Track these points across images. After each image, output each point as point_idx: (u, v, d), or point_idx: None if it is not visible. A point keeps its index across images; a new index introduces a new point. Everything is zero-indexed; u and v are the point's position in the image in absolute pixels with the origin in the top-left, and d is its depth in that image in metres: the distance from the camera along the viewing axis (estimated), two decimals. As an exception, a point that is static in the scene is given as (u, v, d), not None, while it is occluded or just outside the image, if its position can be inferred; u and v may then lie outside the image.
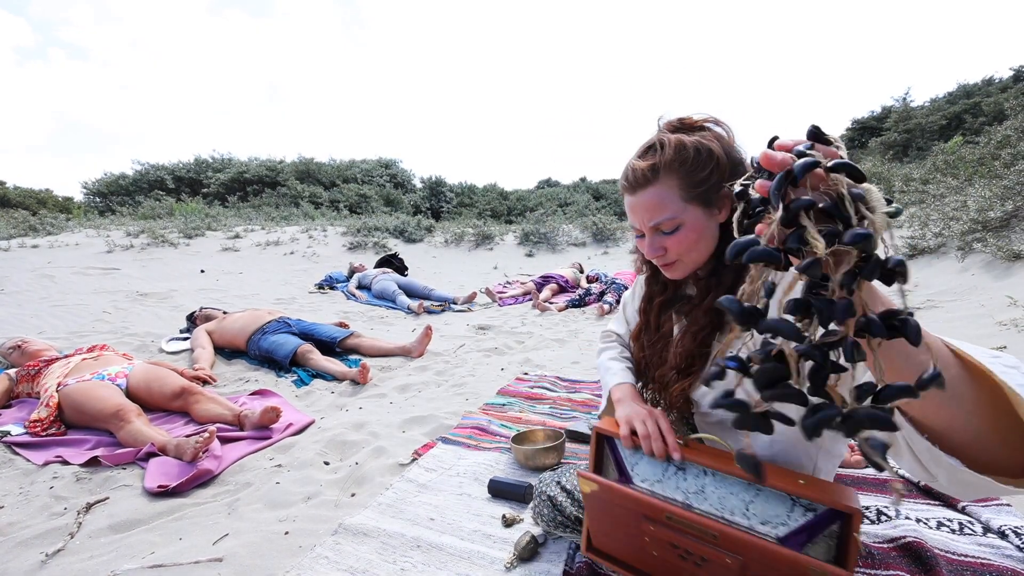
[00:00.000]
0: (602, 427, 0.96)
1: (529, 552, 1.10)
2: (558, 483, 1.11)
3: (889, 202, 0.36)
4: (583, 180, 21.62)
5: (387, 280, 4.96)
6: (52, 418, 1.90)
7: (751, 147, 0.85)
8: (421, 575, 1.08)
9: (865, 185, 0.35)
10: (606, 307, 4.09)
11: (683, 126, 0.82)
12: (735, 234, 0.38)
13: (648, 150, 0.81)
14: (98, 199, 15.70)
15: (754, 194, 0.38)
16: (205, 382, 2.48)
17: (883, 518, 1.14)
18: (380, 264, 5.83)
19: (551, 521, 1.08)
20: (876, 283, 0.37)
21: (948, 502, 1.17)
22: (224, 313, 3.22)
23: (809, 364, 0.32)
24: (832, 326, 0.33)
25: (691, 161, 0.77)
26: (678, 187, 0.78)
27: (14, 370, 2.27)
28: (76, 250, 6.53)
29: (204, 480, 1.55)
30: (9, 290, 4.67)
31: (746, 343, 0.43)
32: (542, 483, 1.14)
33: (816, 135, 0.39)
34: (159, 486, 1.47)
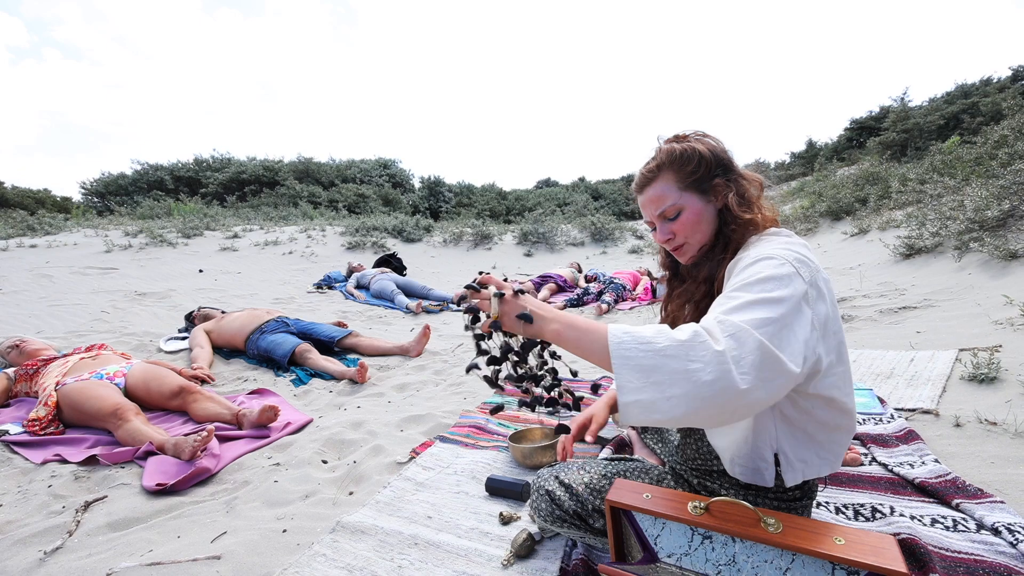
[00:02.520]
0: (617, 500, 0.90)
1: (526, 549, 1.11)
2: (556, 478, 1.11)
3: (499, 293, 0.85)
4: (582, 180, 21.62)
5: (385, 280, 4.96)
6: (50, 417, 1.90)
7: (747, 149, 0.97)
8: (419, 572, 1.09)
9: (489, 290, 0.87)
10: (604, 306, 4.09)
11: (675, 139, 1.00)
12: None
13: (649, 159, 1.01)
14: (96, 199, 15.66)
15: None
16: (203, 381, 2.48)
17: (878, 515, 1.14)
18: (378, 264, 5.83)
19: (548, 516, 1.08)
20: None
21: (942, 499, 1.18)
22: (222, 313, 3.22)
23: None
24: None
25: (681, 159, 0.95)
26: (674, 180, 0.95)
27: (12, 369, 2.27)
28: (74, 250, 6.52)
29: (202, 478, 1.56)
30: (7, 290, 4.66)
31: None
32: (539, 478, 1.14)
33: (474, 282, 0.91)
34: (157, 484, 1.47)
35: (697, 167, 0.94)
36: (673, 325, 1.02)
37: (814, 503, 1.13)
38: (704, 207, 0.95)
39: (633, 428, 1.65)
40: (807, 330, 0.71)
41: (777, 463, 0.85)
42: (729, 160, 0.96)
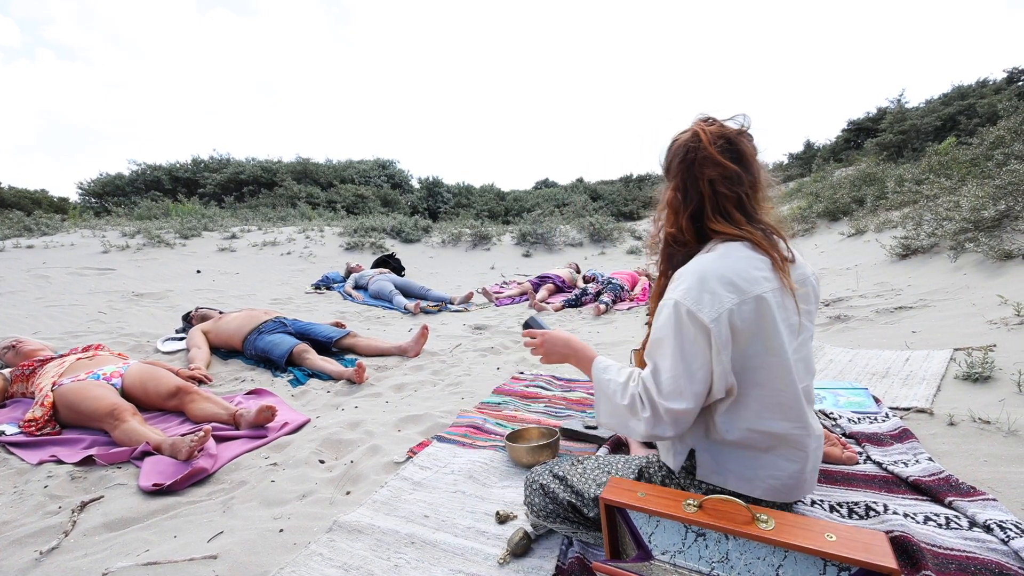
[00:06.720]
0: (611, 498, 0.90)
1: (522, 548, 1.11)
2: (550, 471, 1.12)
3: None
4: (580, 181, 21.62)
5: (384, 280, 4.96)
6: (47, 417, 1.90)
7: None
8: (415, 571, 1.09)
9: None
10: (602, 307, 4.10)
11: (696, 124, 1.01)
12: None
13: None
14: (94, 199, 15.61)
15: None
16: (201, 381, 2.48)
17: (872, 513, 1.15)
18: (377, 264, 5.83)
19: (542, 511, 1.09)
20: None
21: (936, 497, 1.18)
22: (220, 313, 3.22)
23: None
24: None
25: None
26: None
27: (8, 370, 2.27)
28: (71, 250, 6.51)
29: (199, 478, 1.56)
30: (4, 290, 4.65)
31: None
32: (533, 473, 1.15)
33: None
34: (154, 484, 1.47)
35: (664, 162, 1.02)
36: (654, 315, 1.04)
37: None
38: (670, 198, 1.01)
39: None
40: (692, 370, 0.86)
41: (694, 458, 0.97)
42: (673, 167, 0.98)
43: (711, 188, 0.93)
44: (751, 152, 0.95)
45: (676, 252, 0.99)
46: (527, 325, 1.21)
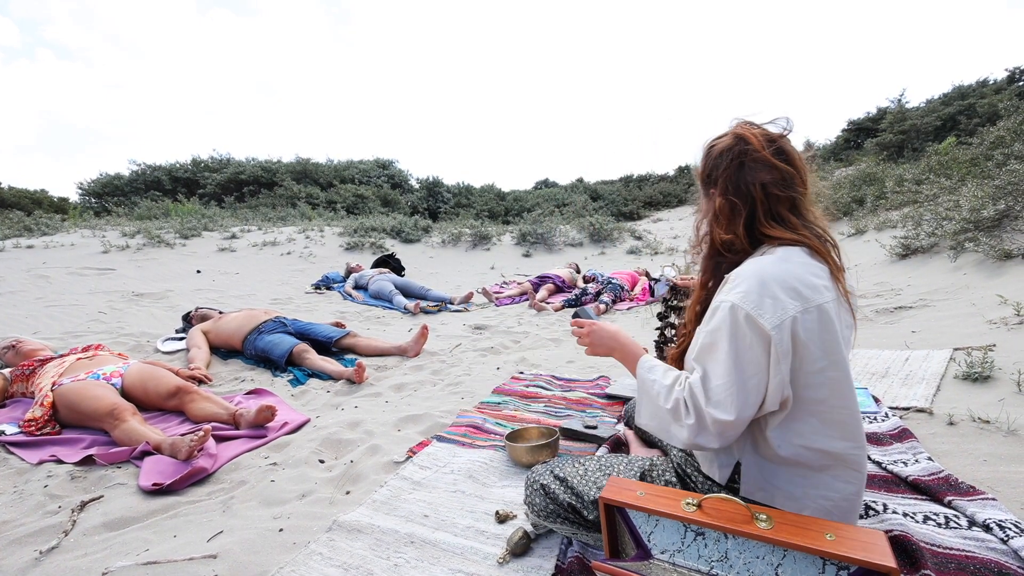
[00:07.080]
0: (610, 497, 0.90)
1: (521, 547, 1.12)
2: (551, 472, 1.12)
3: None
4: (580, 181, 21.61)
5: (384, 280, 4.96)
6: (47, 417, 1.90)
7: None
8: (415, 571, 1.09)
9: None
10: (602, 307, 4.10)
11: (738, 125, 1.00)
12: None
13: None
14: (93, 200, 15.61)
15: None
16: (200, 381, 2.48)
17: (871, 512, 1.15)
18: (377, 264, 5.83)
19: (542, 511, 1.09)
20: None
21: (935, 497, 1.19)
22: (220, 313, 3.22)
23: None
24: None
25: (703, 152, 1.03)
26: (699, 172, 1.06)
27: (8, 370, 2.27)
28: (71, 250, 6.51)
29: (199, 478, 1.56)
30: (4, 290, 4.65)
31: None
32: (534, 473, 1.15)
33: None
34: (154, 484, 1.48)
35: (703, 169, 0.99)
36: (692, 324, 1.01)
37: None
38: (707, 206, 1.00)
39: (628, 427, 1.66)
40: (745, 378, 0.81)
41: (739, 471, 0.92)
42: (719, 174, 0.94)
43: (763, 192, 0.90)
44: (796, 152, 0.94)
45: (724, 260, 0.96)
46: (576, 315, 1.21)
